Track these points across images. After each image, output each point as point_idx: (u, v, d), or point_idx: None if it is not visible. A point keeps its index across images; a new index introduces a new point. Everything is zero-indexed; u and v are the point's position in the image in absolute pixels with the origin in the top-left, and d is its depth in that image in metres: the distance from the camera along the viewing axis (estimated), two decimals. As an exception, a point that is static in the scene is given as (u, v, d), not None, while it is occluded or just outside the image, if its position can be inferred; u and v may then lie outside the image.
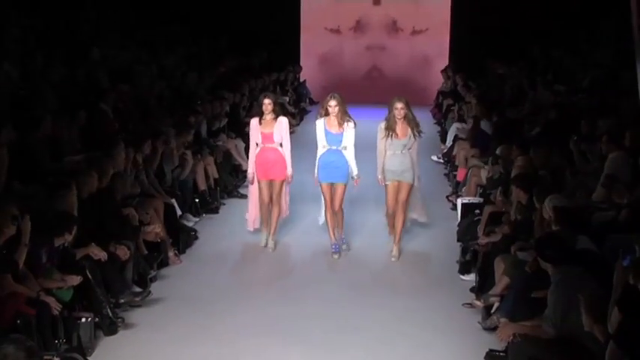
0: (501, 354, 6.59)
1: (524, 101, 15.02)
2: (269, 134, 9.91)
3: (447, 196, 12.39)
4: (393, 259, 9.80)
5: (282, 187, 10.10)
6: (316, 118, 9.86)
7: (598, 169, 9.41)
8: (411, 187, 9.77)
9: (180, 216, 10.61)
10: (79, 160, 9.46)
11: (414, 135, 9.61)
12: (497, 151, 11.20)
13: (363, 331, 7.78)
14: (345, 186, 9.80)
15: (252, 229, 10.41)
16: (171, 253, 9.59)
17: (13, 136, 8.83)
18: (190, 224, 10.87)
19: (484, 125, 13.36)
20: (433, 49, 22.20)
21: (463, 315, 8.18)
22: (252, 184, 10.20)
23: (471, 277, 9.09)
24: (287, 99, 19.23)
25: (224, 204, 12.04)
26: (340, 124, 9.63)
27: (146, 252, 9.02)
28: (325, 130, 9.69)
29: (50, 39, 14.18)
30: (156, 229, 9.26)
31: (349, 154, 9.70)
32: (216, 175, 12.30)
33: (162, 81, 14.75)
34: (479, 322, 7.80)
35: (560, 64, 17.06)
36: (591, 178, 9.37)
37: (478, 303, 8.03)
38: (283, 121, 9.96)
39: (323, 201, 9.98)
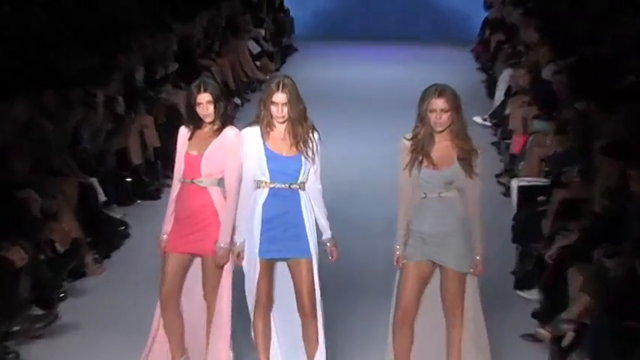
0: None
1: (608, 36, 14.91)
2: (195, 159, 7.31)
3: (497, 176, 12.56)
4: None
5: (214, 271, 7.37)
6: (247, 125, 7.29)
7: None
8: (463, 276, 7.14)
9: (104, 203, 10.66)
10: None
11: (468, 167, 7.02)
12: (567, 113, 11.25)
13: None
14: (311, 263, 7.23)
15: None
16: (89, 259, 9.67)
17: None
18: (118, 216, 10.93)
19: (547, 73, 13.29)
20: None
21: (522, 351, 8.26)
22: (163, 251, 7.51)
23: (533, 295, 9.25)
24: (262, 32, 19.30)
25: (168, 185, 11.86)
26: (295, 141, 7.13)
27: (52, 255, 9.04)
28: (265, 148, 7.13)
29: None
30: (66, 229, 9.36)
31: (314, 197, 7.28)
32: (157, 144, 12.32)
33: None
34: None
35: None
36: None
37: (544, 333, 8.19)
38: (230, 135, 7.32)
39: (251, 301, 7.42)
